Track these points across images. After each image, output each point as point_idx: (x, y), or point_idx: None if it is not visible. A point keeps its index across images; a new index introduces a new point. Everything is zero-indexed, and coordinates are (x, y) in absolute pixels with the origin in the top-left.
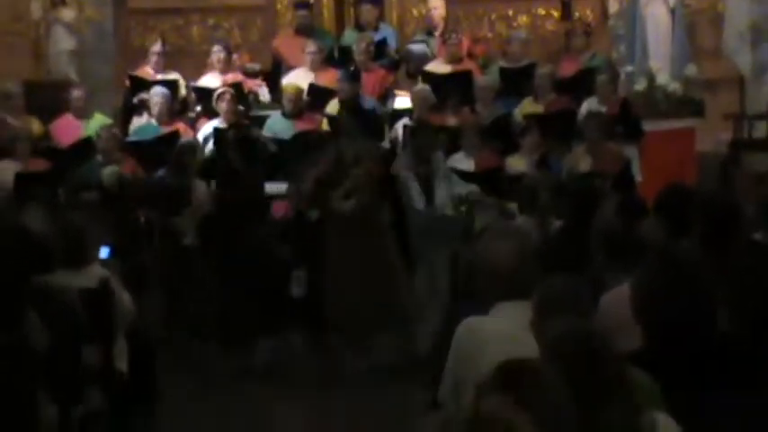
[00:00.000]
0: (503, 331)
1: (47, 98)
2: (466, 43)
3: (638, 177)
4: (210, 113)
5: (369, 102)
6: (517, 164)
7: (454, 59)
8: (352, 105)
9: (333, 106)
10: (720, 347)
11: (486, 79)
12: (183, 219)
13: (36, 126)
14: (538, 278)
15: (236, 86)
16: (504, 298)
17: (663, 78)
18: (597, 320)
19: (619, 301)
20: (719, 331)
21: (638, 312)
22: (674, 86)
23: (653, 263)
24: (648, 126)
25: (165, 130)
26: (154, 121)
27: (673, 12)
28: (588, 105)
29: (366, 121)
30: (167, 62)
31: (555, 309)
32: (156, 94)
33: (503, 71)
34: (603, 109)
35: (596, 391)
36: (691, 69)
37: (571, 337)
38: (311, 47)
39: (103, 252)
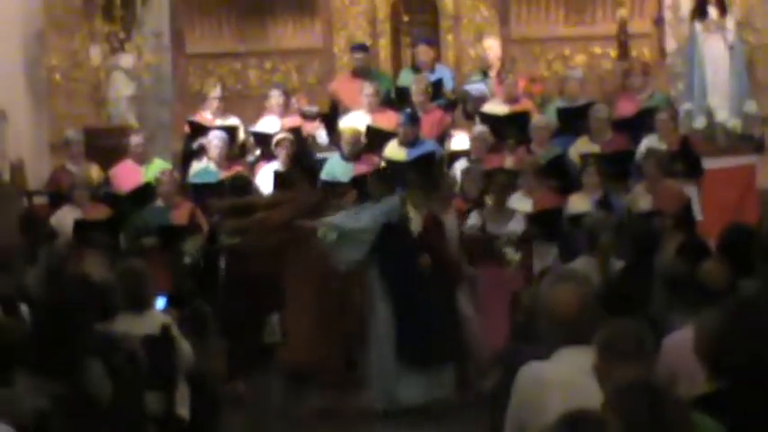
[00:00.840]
0: (565, 378)
1: (107, 144)
2: (522, 83)
3: (699, 216)
4: (269, 157)
5: (428, 143)
6: (580, 203)
7: (511, 99)
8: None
9: (391, 148)
10: None
11: (541, 119)
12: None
13: (96, 172)
14: (599, 324)
15: (295, 131)
16: (565, 343)
17: (722, 115)
18: (660, 364)
19: (682, 344)
20: None
21: (704, 355)
22: (734, 123)
23: (721, 305)
24: (708, 163)
25: (224, 173)
26: (212, 165)
27: (731, 48)
28: (648, 143)
29: (425, 163)
30: (226, 106)
31: (619, 354)
32: (215, 138)
33: (560, 111)
34: (664, 146)
35: None
36: (750, 106)
37: (633, 391)
38: (368, 89)
39: (160, 302)
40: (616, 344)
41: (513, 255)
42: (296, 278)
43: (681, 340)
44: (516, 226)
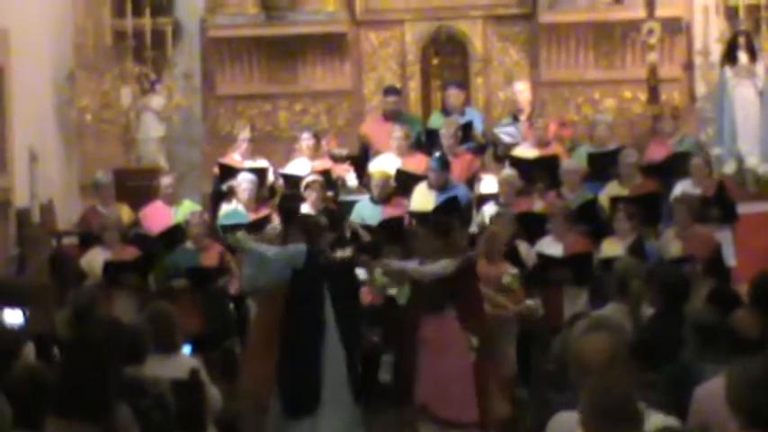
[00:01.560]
0: None
1: (137, 185)
2: (553, 127)
3: (733, 262)
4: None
5: (458, 188)
6: (612, 248)
7: (541, 143)
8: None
9: (420, 191)
10: None
11: (571, 163)
12: None
13: (126, 213)
14: (630, 373)
15: (325, 173)
16: None
17: (752, 161)
18: (692, 413)
19: (714, 393)
20: None
21: (738, 406)
22: (765, 168)
23: (756, 355)
24: (739, 209)
25: (253, 216)
26: (241, 208)
27: (761, 94)
28: (682, 187)
29: (450, 209)
30: (255, 147)
31: (611, 417)
32: (244, 181)
33: (590, 156)
34: (698, 191)
35: None
36: None
37: None
38: (398, 132)
39: (186, 349)
40: (608, 407)
41: (379, 277)
42: (260, 308)
43: (713, 390)
44: (432, 267)
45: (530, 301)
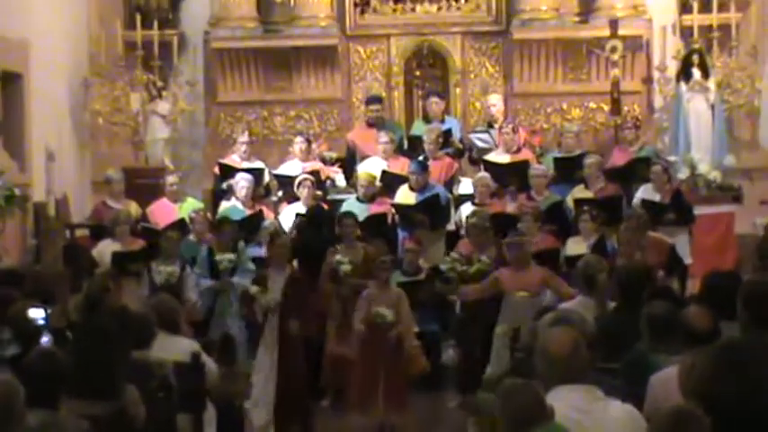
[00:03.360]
0: (561, 414)
1: (144, 183)
2: (523, 134)
3: (689, 260)
4: (291, 198)
5: (437, 188)
6: (576, 247)
7: (511, 149)
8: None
9: (402, 192)
10: None
11: (539, 168)
12: None
13: (134, 209)
14: (592, 364)
15: (315, 173)
16: (560, 383)
17: (704, 167)
18: (648, 399)
19: (668, 381)
20: None
21: (691, 398)
22: (714, 175)
23: (709, 347)
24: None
25: (249, 212)
26: (239, 204)
27: (713, 107)
28: (643, 192)
29: (431, 206)
30: (252, 150)
31: (529, 420)
32: (242, 179)
33: (556, 161)
34: (657, 196)
35: None
36: (729, 159)
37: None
38: (384, 137)
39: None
40: (522, 409)
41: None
42: None
43: (667, 377)
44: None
45: (381, 309)
